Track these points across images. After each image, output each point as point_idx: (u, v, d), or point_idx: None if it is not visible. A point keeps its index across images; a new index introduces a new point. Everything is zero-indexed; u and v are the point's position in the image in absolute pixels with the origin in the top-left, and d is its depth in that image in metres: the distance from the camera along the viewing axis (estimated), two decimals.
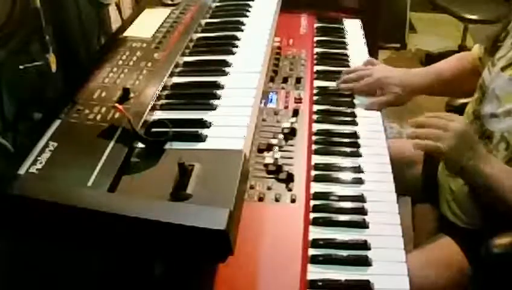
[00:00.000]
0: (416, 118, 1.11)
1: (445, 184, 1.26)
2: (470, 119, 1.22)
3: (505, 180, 1.02)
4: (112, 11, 1.20)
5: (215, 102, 0.98)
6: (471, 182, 1.10)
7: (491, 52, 1.22)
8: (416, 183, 1.41)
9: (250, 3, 1.40)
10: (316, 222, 0.97)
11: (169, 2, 1.34)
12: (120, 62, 1.07)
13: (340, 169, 1.09)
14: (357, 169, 1.08)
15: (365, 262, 0.90)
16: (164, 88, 1.02)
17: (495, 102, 1.13)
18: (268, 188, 1.02)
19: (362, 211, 0.99)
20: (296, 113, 1.20)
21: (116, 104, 0.89)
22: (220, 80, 1.05)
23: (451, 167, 1.10)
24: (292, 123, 1.16)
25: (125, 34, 1.20)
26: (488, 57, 1.24)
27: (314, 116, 1.22)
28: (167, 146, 0.85)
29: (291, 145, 1.12)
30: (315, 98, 1.29)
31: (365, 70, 1.37)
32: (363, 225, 0.96)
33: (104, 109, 0.91)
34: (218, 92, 1.01)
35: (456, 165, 1.06)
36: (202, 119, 0.93)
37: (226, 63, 1.11)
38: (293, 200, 0.99)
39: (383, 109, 1.31)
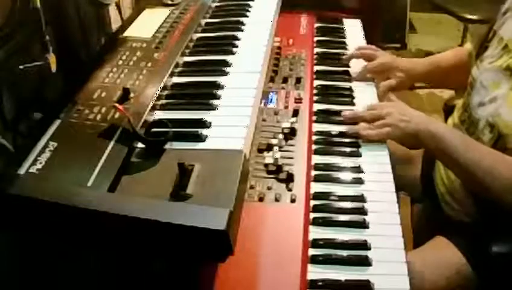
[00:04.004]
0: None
1: (439, 175, 1.27)
2: (459, 112, 1.24)
3: (457, 143, 1.06)
4: (112, 11, 1.20)
5: (215, 102, 0.98)
6: (428, 148, 1.16)
7: (479, 53, 1.23)
8: (416, 182, 1.41)
9: (250, 3, 1.40)
10: (316, 222, 0.96)
11: (169, 2, 1.34)
12: (120, 62, 1.07)
13: (340, 169, 1.08)
14: (357, 169, 1.08)
15: (365, 262, 0.90)
16: (164, 88, 1.02)
17: (482, 92, 1.14)
18: (268, 188, 1.01)
19: (362, 211, 0.99)
20: (296, 113, 1.20)
21: (116, 104, 0.89)
22: (220, 80, 1.05)
23: (411, 137, 1.13)
24: (292, 123, 1.16)
25: (125, 34, 1.20)
26: (476, 56, 1.26)
27: (314, 116, 1.22)
28: (167, 146, 0.85)
29: (291, 145, 1.12)
30: (315, 98, 1.29)
31: (371, 51, 1.41)
32: (363, 225, 0.96)
33: (104, 109, 0.91)
34: (218, 92, 1.01)
35: (413, 133, 1.11)
36: (202, 119, 0.93)
37: (226, 63, 1.11)
38: (293, 200, 0.99)
39: None
